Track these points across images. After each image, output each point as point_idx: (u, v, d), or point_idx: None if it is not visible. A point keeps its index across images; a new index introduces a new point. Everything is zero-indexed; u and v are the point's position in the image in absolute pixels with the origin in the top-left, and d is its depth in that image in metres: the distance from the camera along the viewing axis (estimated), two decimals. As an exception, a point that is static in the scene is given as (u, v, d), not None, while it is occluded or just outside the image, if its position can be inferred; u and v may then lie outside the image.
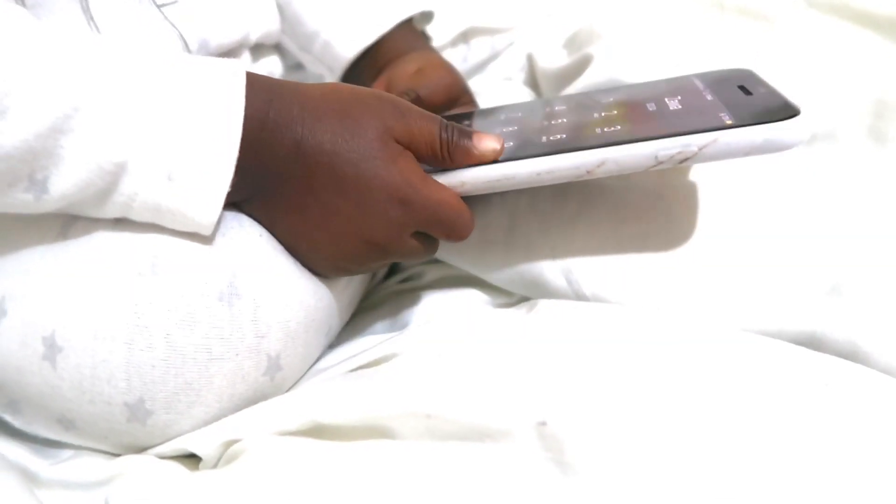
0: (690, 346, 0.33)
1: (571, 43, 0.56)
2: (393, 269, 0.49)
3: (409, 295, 0.45)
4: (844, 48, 0.44)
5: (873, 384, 0.32)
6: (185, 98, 0.31)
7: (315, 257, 0.36)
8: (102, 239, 0.33)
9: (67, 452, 0.36)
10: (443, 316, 0.41)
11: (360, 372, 0.36)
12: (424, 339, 0.36)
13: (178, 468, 0.34)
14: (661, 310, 0.38)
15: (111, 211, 0.32)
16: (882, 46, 0.43)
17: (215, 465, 0.33)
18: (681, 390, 0.31)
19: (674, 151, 0.33)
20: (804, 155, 0.42)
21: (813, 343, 0.36)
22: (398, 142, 0.34)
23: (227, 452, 0.32)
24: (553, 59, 0.54)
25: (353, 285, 0.42)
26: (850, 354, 0.35)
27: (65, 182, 0.30)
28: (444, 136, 0.34)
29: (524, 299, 0.42)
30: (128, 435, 0.34)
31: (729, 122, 0.33)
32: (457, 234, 0.36)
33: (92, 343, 0.32)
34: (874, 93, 0.41)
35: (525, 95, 0.57)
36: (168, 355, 0.32)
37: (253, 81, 0.33)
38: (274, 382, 0.36)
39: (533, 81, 0.58)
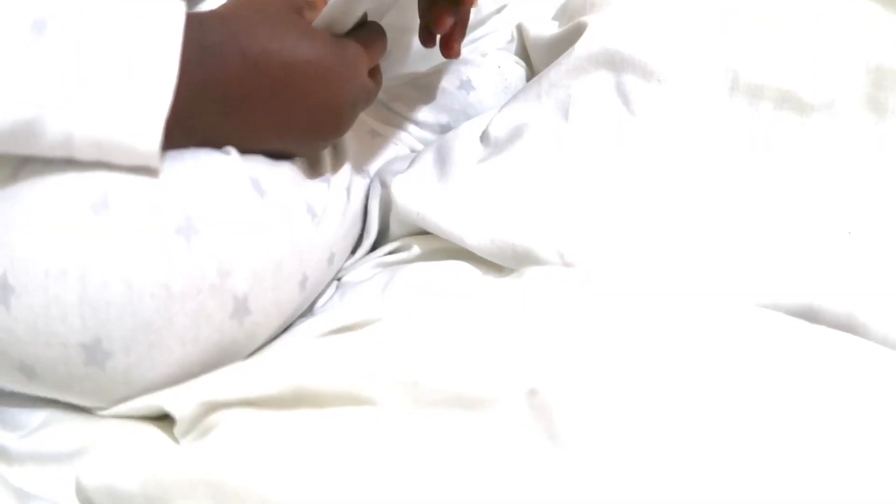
0: (685, 317, 0.33)
1: (563, 13, 0.55)
2: (378, 242, 0.47)
3: (396, 268, 0.44)
4: (843, 16, 0.43)
5: (871, 356, 0.32)
6: (118, 24, 0.31)
7: (300, 143, 0.39)
8: (54, 177, 0.32)
9: (37, 420, 0.34)
10: (429, 285, 0.40)
11: (343, 336, 0.35)
12: (409, 304, 0.35)
13: (152, 432, 0.33)
14: (656, 280, 0.37)
15: (53, 152, 0.31)
16: (881, 15, 0.43)
17: (190, 429, 0.32)
18: (675, 362, 0.30)
19: None
20: (801, 125, 0.41)
21: (810, 315, 0.35)
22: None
23: (202, 422, 0.31)
24: (545, 28, 0.52)
25: (328, 233, 0.41)
26: (846, 326, 0.34)
27: None
28: None
29: (514, 272, 0.41)
30: (88, 381, 0.32)
31: None
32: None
33: (44, 281, 0.31)
34: (873, 60, 0.40)
35: (517, 65, 0.56)
36: (124, 292, 0.31)
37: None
38: (244, 328, 0.34)
39: (523, 52, 0.56)
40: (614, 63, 0.45)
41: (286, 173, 0.38)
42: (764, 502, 0.25)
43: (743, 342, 0.31)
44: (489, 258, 0.42)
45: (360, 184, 0.47)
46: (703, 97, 0.44)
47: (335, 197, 0.42)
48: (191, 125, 0.34)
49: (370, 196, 0.47)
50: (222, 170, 0.34)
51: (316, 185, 0.41)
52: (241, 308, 0.34)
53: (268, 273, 0.35)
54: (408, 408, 0.28)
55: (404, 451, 0.27)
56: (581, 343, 0.30)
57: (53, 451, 0.33)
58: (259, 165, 0.37)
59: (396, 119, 0.54)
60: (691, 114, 0.44)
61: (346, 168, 0.45)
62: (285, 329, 0.39)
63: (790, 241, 0.38)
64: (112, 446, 0.32)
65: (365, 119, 0.52)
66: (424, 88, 0.55)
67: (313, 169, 0.42)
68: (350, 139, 0.48)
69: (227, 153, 0.35)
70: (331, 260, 0.42)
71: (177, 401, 0.32)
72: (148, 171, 0.32)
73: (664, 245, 0.39)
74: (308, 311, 0.42)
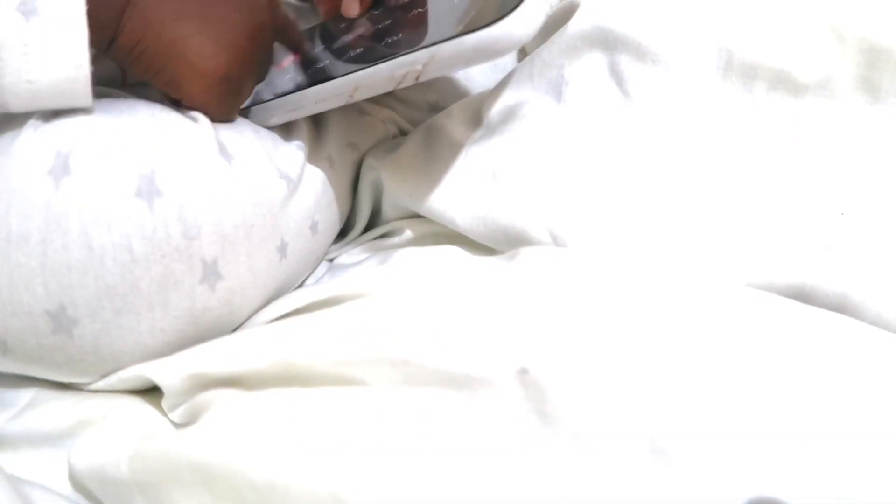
0: (678, 297, 0.32)
1: (556, -6, 0.54)
2: (370, 224, 0.47)
3: (389, 252, 0.43)
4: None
5: (863, 337, 0.32)
6: None
7: (211, 68, 0.36)
8: (12, 145, 0.31)
9: (24, 398, 0.34)
10: (420, 265, 0.39)
11: (332, 311, 0.34)
12: (399, 280, 0.35)
13: (142, 408, 0.32)
14: (648, 260, 0.37)
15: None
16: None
17: (178, 403, 0.31)
18: (666, 342, 0.30)
19: (404, 70, 0.35)
20: (795, 107, 0.41)
21: (802, 296, 0.35)
22: None
23: (192, 400, 0.31)
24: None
25: (307, 200, 0.40)
26: (839, 307, 0.34)
27: None
28: None
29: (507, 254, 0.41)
30: (58, 351, 0.32)
31: (454, 32, 0.33)
32: None
33: (6, 248, 0.30)
34: (867, 40, 0.40)
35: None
36: (85, 255, 0.31)
37: None
38: (216, 294, 0.34)
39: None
40: (608, 42, 0.44)
41: (256, 141, 0.38)
42: (758, 484, 0.25)
43: (735, 322, 0.31)
44: (481, 240, 0.41)
45: (347, 156, 0.46)
46: (697, 77, 0.44)
47: (314, 165, 0.41)
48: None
49: (361, 177, 0.46)
50: (188, 134, 0.34)
51: (290, 151, 0.40)
52: (210, 272, 0.33)
53: (239, 236, 0.34)
54: (398, 387, 0.28)
55: (394, 433, 0.27)
56: (573, 322, 0.30)
57: (45, 430, 0.32)
58: (227, 132, 0.36)
59: (384, 98, 0.53)
60: (685, 95, 0.43)
61: (328, 139, 0.44)
62: None
63: (782, 222, 0.37)
64: (103, 428, 0.32)
65: None
66: None
67: (287, 137, 0.42)
68: (335, 114, 0.47)
69: (195, 119, 0.35)
70: (314, 228, 0.41)
71: (164, 371, 0.32)
72: (111, 131, 0.31)
73: (657, 225, 0.38)
74: (300, 288, 0.42)
